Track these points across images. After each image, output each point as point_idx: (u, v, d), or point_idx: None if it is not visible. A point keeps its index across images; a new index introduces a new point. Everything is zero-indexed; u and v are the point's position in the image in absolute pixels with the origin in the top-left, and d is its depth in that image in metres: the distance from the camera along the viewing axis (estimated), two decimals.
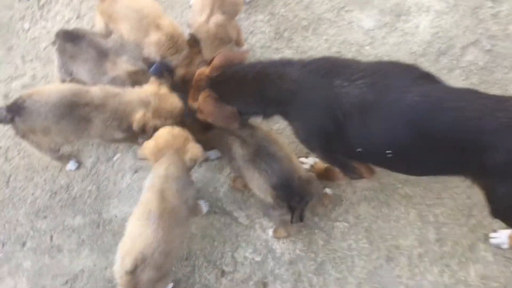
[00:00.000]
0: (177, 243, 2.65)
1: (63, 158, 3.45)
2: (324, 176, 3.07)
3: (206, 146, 2.89)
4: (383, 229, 3.07)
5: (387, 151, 2.32)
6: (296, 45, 3.74)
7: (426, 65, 3.35)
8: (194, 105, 2.81)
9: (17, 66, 4.01)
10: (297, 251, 3.09)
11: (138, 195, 3.26)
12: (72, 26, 3.99)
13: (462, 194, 3.06)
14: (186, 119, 3.03)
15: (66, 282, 3.22)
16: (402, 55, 3.50)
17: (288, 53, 3.70)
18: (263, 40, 3.80)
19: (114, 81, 3.16)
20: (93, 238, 3.32)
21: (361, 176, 2.76)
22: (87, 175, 3.53)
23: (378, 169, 2.83)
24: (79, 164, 3.55)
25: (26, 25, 4.18)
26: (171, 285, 3.01)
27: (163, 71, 3.27)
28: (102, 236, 3.32)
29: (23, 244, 3.37)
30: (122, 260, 2.50)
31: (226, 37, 3.28)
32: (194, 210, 2.87)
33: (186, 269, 3.14)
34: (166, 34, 3.18)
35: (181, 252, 3.13)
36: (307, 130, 2.57)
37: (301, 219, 2.76)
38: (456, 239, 2.98)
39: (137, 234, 2.54)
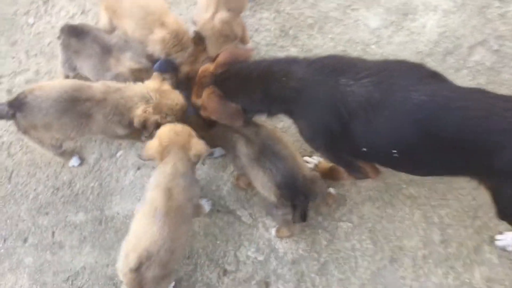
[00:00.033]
0: (182, 240, 2.63)
1: (66, 154, 3.43)
2: (329, 175, 3.05)
3: (210, 143, 2.86)
4: (387, 230, 3.05)
5: (393, 151, 2.30)
6: (301, 43, 3.72)
7: (433, 64, 3.33)
8: (198, 101, 2.79)
9: (21, 61, 3.99)
10: (300, 251, 3.07)
11: (141, 192, 3.31)
12: (76, 21, 3.98)
13: (467, 195, 3.05)
14: (190, 116, 3.00)
15: (67, 278, 3.20)
16: (409, 55, 3.48)
17: (293, 52, 3.69)
18: (268, 38, 3.78)
19: (117, 78, 3.14)
20: (95, 235, 3.31)
21: (366, 176, 2.74)
22: (89, 172, 3.51)
23: (383, 169, 2.81)
24: (82, 161, 3.53)
25: (31, 20, 4.17)
26: (172, 283, 2.99)
27: (168, 68, 3.25)
28: (104, 233, 3.30)
29: (25, 240, 3.35)
30: (126, 258, 2.49)
31: (231, 34, 3.26)
32: (197, 210, 2.84)
33: (188, 268, 3.12)
34: (171, 31, 3.16)
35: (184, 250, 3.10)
36: (312, 128, 2.55)
37: (303, 218, 2.74)
38: (461, 241, 2.96)
39: (142, 231, 2.53)
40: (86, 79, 3.30)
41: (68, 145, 3.41)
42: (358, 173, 2.74)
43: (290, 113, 2.62)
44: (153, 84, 3.00)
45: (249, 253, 3.12)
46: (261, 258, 3.10)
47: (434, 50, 3.49)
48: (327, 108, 2.37)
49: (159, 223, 2.49)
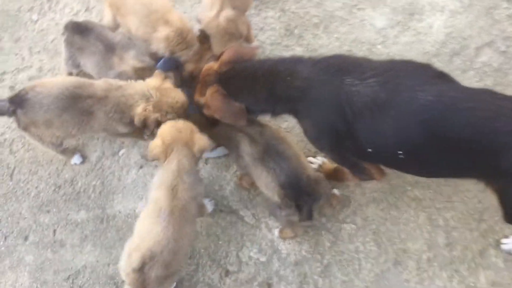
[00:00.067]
0: (186, 241, 2.61)
1: (68, 152, 3.41)
2: (333, 176, 3.03)
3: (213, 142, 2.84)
4: (392, 232, 3.03)
5: (398, 152, 2.28)
6: (306, 42, 3.69)
7: (439, 65, 3.28)
8: (201, 100, 2.77)
9: (24, 58, 3.97)
10: (303, 252, 3.04)
11: (143, 191, 3.30)
12: (80, 18, 3.95)
13: (473, 198, 3.03)
14: (192, 114, 2.98)
15: (68, 277, 3.18)
16: (415, 55, 3.46)
17: (298, 51, 3.66)
18: (273, 37, 3.75)
19: (120, 76, 3.12)
20: (96, 233, 3.28)
21: (371, 177, 2.72)
22: (91, 170, 3.48)
23: (387, 171, 2.79)
24: (84, 159, 3.51)
25: (35, 17, 4.15)
26: (174, 284, 2.96)
27: (171, 66, 3.24)
28: (105, 232, 3.28)
29: (26, 238, 3.33)
30: (128, 257, 2.48)
31: (237, 32, 3.23)
32: (200, 210, 2.82)
33: (190, 268, 3.09)
34: (175, 29, 3.14)
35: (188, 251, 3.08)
36: (316, 128, 2.52)
37: (309, 217, 2.71)
38: (466, 244, 2.94)
39: (146, 231, 2.52)
40: (89, 76, 3.29)
41: (69, 142, 3.39)
42: (362, 174, 2.72)
43: (295, 113, 2.60)
44: (153, 82, 2.97)
45: (252, 254, 3.09)
46: (263, 259, 3.07)
47: (440, 50, 3.46)
48: (332, 108, 2.35)
49: (163, 223, 2.48)
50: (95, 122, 2.97)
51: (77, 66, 3.35)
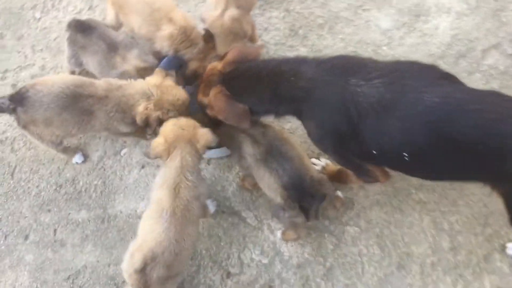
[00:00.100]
0: (189, 242, 2.59)
1: (69, 151, 3.39)
2: (336, 178, 3.00)
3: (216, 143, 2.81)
4: (395, 235, 3.00)
5: (403, 153, 2.25)
6: (311, 43, 3.67)
7: (445, 67, 3.18)
8: (204, 100, 2.74)
9: (26, 56, 3.95)
10: (306, 255, 3.01)
11: (145, 191, 3.28)
12: (83, 16, 3.92)
13: (478, 202, 3.01)
14: (195, 114, 2.95)
15: (68, 277, 3.15)
16: (420, 57, 3.43)
17: (302, 51, 3.64)
18: (277, 37, 3.73)
19: (122, 76, 3.10)
20: (97, 233, 3.26)
21: (375, 180, 2.69)
22: (93, 169, 3.46)
23: (392, 173, 2.76)
24: (86, 158, 3.49)
25: (38, 15, 4.13)
26: (176, 285, 2.94)
27: (173, 66, 3.22)
28: (106, 232, 3.26)
29: (26, 237, 3.31)
30: (131, 258, 2.47)
31: (241, 32, 3.21)
32: (203, 211, 2.80)
33: (191, 269, 3.06)
34: (179, 27, 3.12)
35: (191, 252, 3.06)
36: (320, 129, 2.50)
37: (316, 216, 2.69)
38: (471, 249, 2.91)
39: (148, 232, 2.52)
40: (92, 75, 3.27)
41: (69, 141, 3.38)
42: (367, 177, 2.69)
43: (299, 114, 2.57)
44: (154, 80, 2.96)
45: (254, 256, 3.06)
46: (265, 261, 3.04)
47: (446, 52, 3.44)
48: (337, 109, 2.33)
49: (165, 224, 2.47)
50: (96, 121, 2.96)
51: (80, 64, 3.33)
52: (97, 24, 3.28)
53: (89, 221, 3.31)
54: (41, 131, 3.02)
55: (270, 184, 2.71)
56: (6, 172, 3.52)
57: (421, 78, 2.26)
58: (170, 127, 2.69)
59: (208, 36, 3.21)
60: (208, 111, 2.78)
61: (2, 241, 3.31)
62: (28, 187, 3.46)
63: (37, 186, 3.46)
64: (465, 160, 2.18)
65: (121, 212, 3.30)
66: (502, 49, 3.38)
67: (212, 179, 3.31)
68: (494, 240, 2.90)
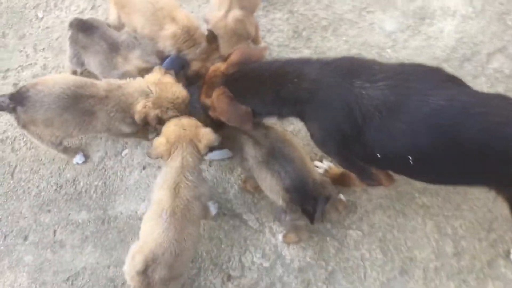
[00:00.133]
0: (190, 242, 2.58)
1: (70, 151, 3.37)
2: (339, 181, 2.98)
3: (217, 144, 2.79)
4: (398, 240, 2.97)
5: (408, 157, 2.22)
6: (314, 45, 3.65)
7: (450, 71, 3.16)
8: (207, 101, 2.72)
9: (28, 55, 3.93)
10: (307, 259, 2.99)
11: (145, 193, 3.26)
12: (86, 16, 3.87)
13: (482, 206, 2.98)
14: (198, 115, 2.93)
15: (68, 279, 3.12)
16: (425, 60, 3.41)
17: (306, 53, 3.62)
18: (280, 38, 3.71)
19: (124, 76, 3.08)
20: (97, 235, 3.23)
21: (379, 183, 2.65)
22: (94, 170, 3.44)
23: (395, 177, 2.72)
24: (87, 158, 3.46)
25: (40, 14, 4.11)
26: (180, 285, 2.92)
27: (177, 66, 3.20)
28: (106, 233, 3.23)
29: (25, 238, 3.28)
30: (132, 260, 2.48)
31: (245, 33, 3.19)
32: (205, 212, 2.78)
33: (191, 272, 3.04)
34: (182, 27, 3.10)
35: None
36: (324, 131, 2.47)
37: (322, 219, 2.68)
38: (475, 254, 2.89)
39: (148, 233, 2.52)
40: (94, 75, 3.26)
41: (69, 142, 3.37)
42: (370, 180, 2.66)
43: (302, 116, 2.55)
44: (152, 78, 2.94)
45: (255, 259, 3.04)
46: (266, 264, 3.01)
47: (451, 56, 3.42)
48: (341, 111, 2.30)
49: (164, 224, 2.47)
50: (97, 122, 2.94)
51: (82, 64, 3.32)
52: (99, 23, 3.26)
53: (89, 222, 3.28)
54: (41, 131, 3.01)
55: (272, 187, 2.69)
56: (6, 172, 3.50)
57: (426, 81, 2.24)
58: (172, 127, 2.69)
59: (212, 37, 3.19)
60: (211, 113, 2.76)
61: (1, 242, 3.28)
62: (28, 187, 3.44)
63: (37, 186, 3.43)
64: (470, 164, 2.16)
65: (121, 213, 3.28)
66: (508, 53, 3.36)
67: (213, 181, 3.28)
68: (498, 246, 2.87)
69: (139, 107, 2.83)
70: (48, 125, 2.95)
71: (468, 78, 3.25)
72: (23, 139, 3.57)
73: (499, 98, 2.22)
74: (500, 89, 3.23)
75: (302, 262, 2.99)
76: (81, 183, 3.40)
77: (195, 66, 3.18)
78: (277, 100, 2.53)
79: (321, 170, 3.11)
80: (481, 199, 2.98)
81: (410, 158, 2.22)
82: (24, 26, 4.08)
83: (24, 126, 2.98)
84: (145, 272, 2.40)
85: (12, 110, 2.91)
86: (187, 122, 2.71)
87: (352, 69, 2.36)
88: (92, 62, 3.23)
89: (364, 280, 2.90)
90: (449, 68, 3.31)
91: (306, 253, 3.00)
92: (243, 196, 3.22)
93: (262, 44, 3.55)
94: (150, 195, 2.80)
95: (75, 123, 2.93)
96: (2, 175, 3.50)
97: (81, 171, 3.44)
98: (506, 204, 2.39)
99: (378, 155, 2.30)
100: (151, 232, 2.49)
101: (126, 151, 3.46)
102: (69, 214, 3.32)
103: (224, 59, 2.78)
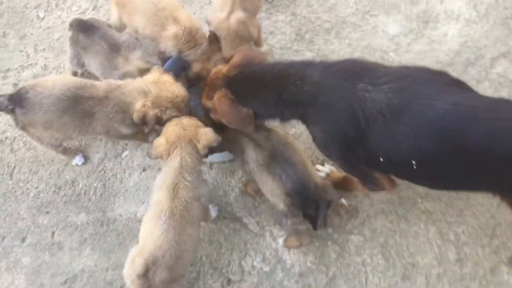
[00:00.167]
0: (190, 243, 2.56)
1: (69, 152, 3.35)
2: (341, 185, 2.95)
3: (218, 147, 2.76)
4: (400, 245, 2.95)
5: (411, 161, 2.19)
6: (317, 48, 3.62)
7: (453, 75, 3.19)
8: (208, 103, 2.70)
9: (29, 55, 3.91)
10: (308, 263, 2.96)
11: (145, 195, 3.24)
12: (87, 17, 3.86)
13: (485, 212, 2.96)
14: (199, 116, 2.91)
15: (65, 281, 3.10)
16: (428, 64, 3.38)
17: (308, 56, 3.60)
18: (283, 41, 3.68)
19: (124, 77, 3.07)
20: (96, 237, 3.20)
21: (381, 188, 2.62)
22: (93, 171, 3.41)
23: (397, 182, 2.69)
24: (86, 160, 3.44)
25: (41, 14, 4.09)
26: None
27: (179, 67, 3.18)
28: (105, 236, 3.20)
29: (23, 240, 3.25)
30: (132, 263, 2.46)
31: (247, 35, 3.17)
32: (205, 213, 2.76)
33: (191, 275, 3.01)
34: (184, 27, 3.08)
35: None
36: (326, 134, 2.44)
37: (324, 224, 2.65)
38: (478, 260, 2.86)
39: (147, 235, 2.51)
40: (94, 76, 3.25)
41: (69, 143, 3.35)
42: (372, 184, 2.63)
43: (304, 118, 2.52)
44: (151, 77, 2.92)
45: (255, 263, 3.01)
46: (267, 268, 2.99)
47: (455, 60, 3.39)
48: (343, 114, 2.28)
49: (163, 226, 2.46)
50: (96, 123, 2.92)
51: (82, 65, 3.30)
52: (100, 24, 3.24)
53: (88, 224, 3.26)
54: (40, 133, 2.98)
55: (273, 190, 2.66)
56: (5, 173, 3.47)
57: (431, 85, 2.22)
58: (172, 127, 2.67)
59: (214, 39, 3.16)
60: (212, 115, 2.74)
61: None
62: (27, 188, 3.41)
63: (36, 188, 3.41)
64: (475, 169, 2.13)
65: (120, 215, 3.25)
66: (511, 58, 3.33)
67: (214, 184, 3.26)
68: (501, 252, 2.84)
69: (138, 105, 2.80)
70: (47, 128, 2.92)
71: (472, 82, 3.22)
72: (22, 139, 3.54)
73: (505, 103, 2.20)
74: (504, 94, 3.21)
75: (303, 267, 2.96)
76: (80, 185, 3.38)
77: (196, 67, 3.15)
78: (279, 103, 2.51)
79: (322, 174, 3.08)
80: (484, 205, 2.95)
81: (414, 162, 2.19)
82: (25, 26, 4.06)
83: (23, 128, 2.96)
84: (145, 275, 2.39)
85: (11, 112, 2.88)
86: (187, 122, 2.70)
87: (355, 71, 2.33)
88: (93, 63, 3.21)
89: (365, 286, 2.87)
90: (453, 73, 3.25)
91: (307, 258, 2.97)
92: (244, 200, 3.19)
93: (265, 47, 3.52)
94: (150, 197, 2.77)
95: (74, 125, 2.90)
96: (0, 176, 3.47)
97: (81, 173, 3.42)
98: (510, 210, 2.36)
99: (381, 158, 2.27)
100: (151, 234, 2.48)
101: (126, 152, 3.43)
102: (68, 216, 3.29)
103: (226, 61, 2.76)
